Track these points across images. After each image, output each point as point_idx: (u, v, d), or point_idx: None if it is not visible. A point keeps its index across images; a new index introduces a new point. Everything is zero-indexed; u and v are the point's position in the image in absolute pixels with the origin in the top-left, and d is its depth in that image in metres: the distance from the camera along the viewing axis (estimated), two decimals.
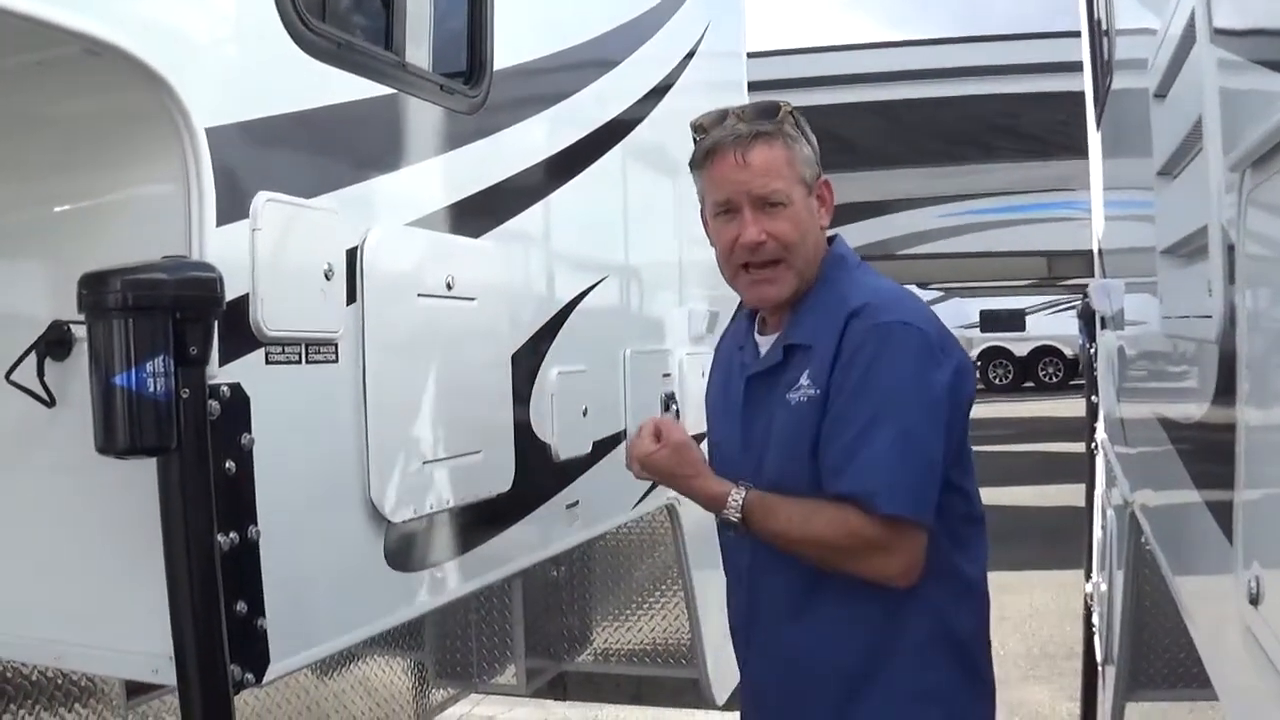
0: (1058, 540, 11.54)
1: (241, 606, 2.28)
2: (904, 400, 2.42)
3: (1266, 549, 1.58)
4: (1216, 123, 1.94)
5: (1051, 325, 30.14)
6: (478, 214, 3.22)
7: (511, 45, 3.34)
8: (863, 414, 2.41)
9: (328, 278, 2.54)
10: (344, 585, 2.67)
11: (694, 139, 2.66)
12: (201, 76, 2.25)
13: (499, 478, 3.23)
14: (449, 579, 3.07)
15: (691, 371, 4.75)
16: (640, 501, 4.35)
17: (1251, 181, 1.61)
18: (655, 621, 5.20)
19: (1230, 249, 1.84)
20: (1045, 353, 31.69)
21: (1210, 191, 1.95)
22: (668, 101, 4.59)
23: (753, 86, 5.94)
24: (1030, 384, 31.38)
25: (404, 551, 2.85)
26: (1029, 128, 13.87)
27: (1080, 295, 22.62)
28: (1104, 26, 4.32)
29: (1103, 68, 4.56)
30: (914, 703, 2.51)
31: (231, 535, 2.25)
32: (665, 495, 4.55)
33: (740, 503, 2.49)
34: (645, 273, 4.53)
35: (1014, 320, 30.09)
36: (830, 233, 2.68)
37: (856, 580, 2.46)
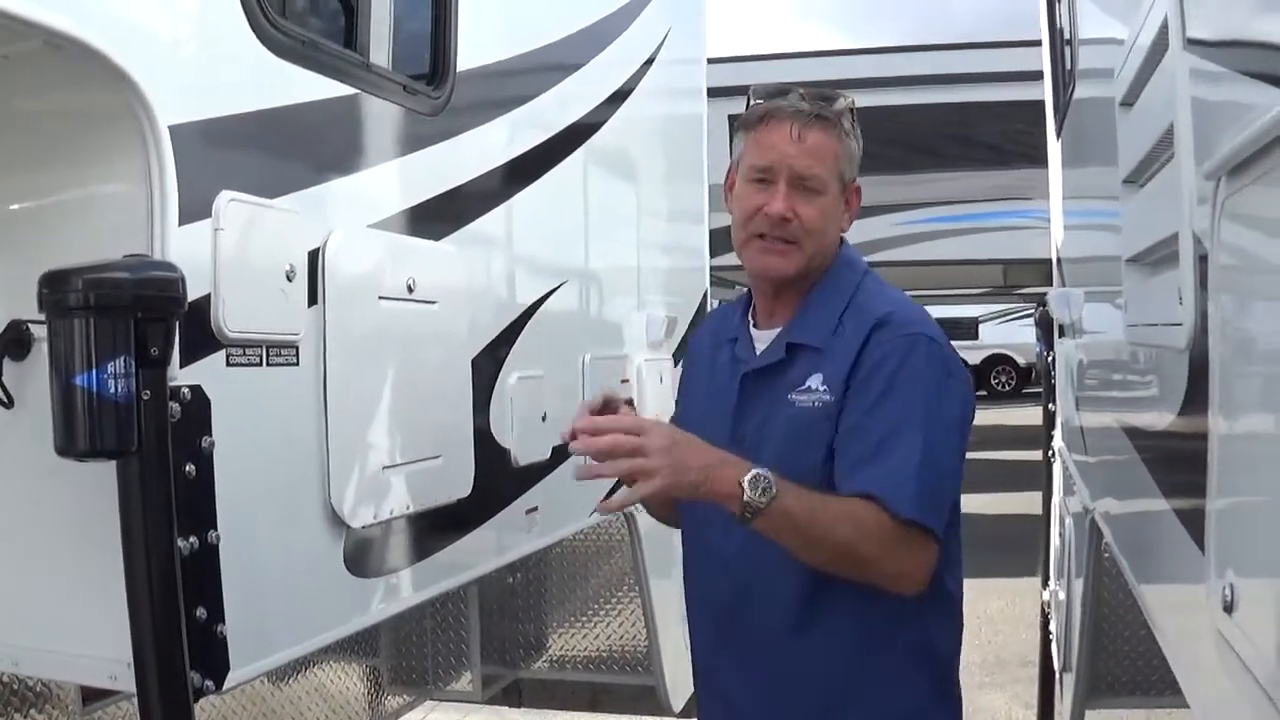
0: (1012, 548, 11.59)
1: (201, 612, 2.24)
2: (927, 414, 2.38)
3: (1240, 557, 1.58)
4: (1188, 130, 1.94)
5: (1004, 334, 30.51)
6: (439, 217, 3.19)
7: (475, 47, 3.31)
8: (887, 422, 2.36)
9: (289, 279, 2.51)
10: (304, 591, 2.63)
11: (750, 102, 2.60)
12: (165, 72, 2.21)
13: (459, 483, 3.20)
14: (408, 585, 3.03)
15: (650, 377, 4.74)
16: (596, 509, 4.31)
17: (1227, 189, 1.62)
18: (612, 628, 5.18)
19: (1202, 257, 1.84)
20: (998, 361, 31.98)
21: (1181, 199, 1.95)
22: (629, 106, 4.58)
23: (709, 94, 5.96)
24: (983, 392, 31.48)
25: (364, 557, 2.81)
26: (985, 136, 13.93)
27: (1034, 304, 22.78)
28: (1066, 36, 4.35)
29: (1064, 77, 4.59)
30: None
31: (191, 540, 2.21)
32: None
33: (772, 481, 2.23)
34: (604, 278, 4.51)
35: (967, 329, 30.28)
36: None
37: (861, 593, 2.39)
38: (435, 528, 3.12)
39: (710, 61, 6.05)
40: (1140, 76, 2.41)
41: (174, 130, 2.19)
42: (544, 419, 3.76)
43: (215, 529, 2.27)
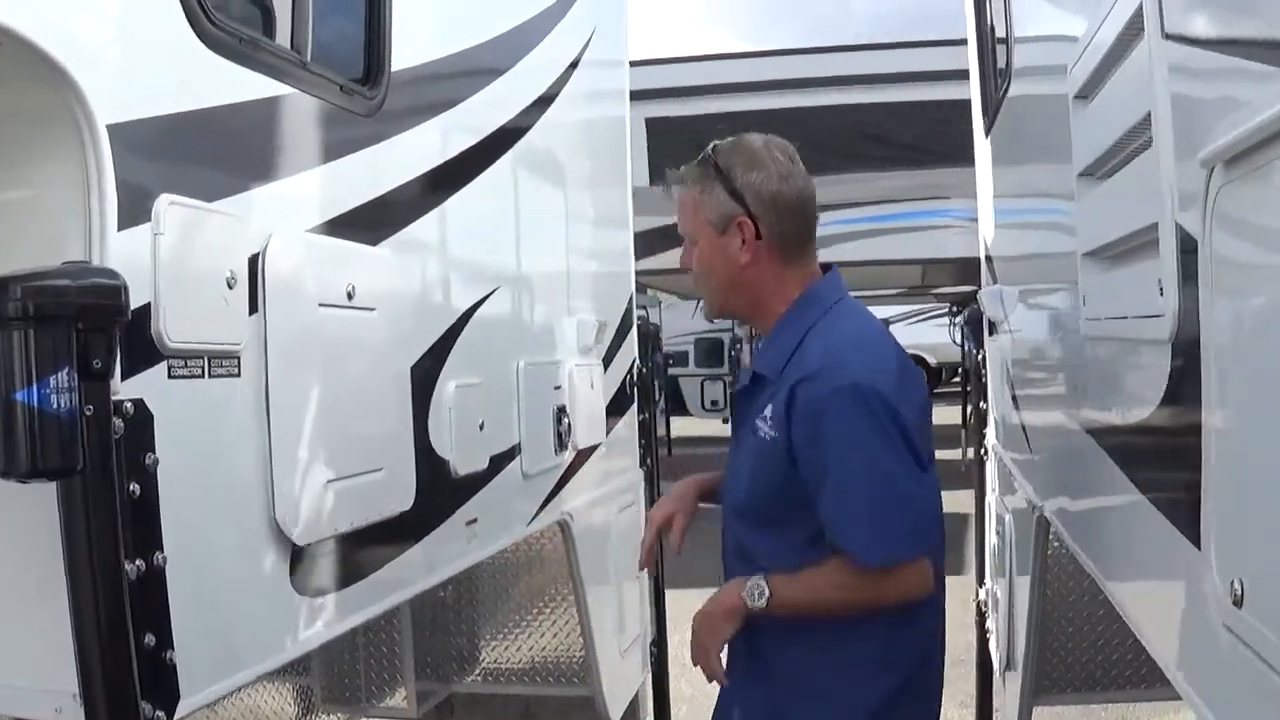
0: None
1: (150, 639, 2.12)
2: (862, 456, 2.59)
3: (1250, 550, 1.55)
4: (1167, 121, 1.92)
5: (915, 334, 30.98)
6: (375, 221, 3.09)
7: (408, 46, 3.22)
8: (830, 476, 2.61)
9: (230, 286, 2.40)
10: (252, 613, 2.52)
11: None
12: (102, 69, 2.10)
13: (400, 496, 3.10)
14: (354, 602, 2.93)
15: (581, 383, 4.67)
16: (535, 517, 4.24)
17: (1223, 177, 1.59)
18: (547, 639, 5.13)
19: (1188, 248, 1.81)
20: None
21: (1161, 189, 1.93)
22: (556, 109, 4.50)
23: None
24: None
25: (310, 575, 2.71)
26: (900, 136, 14.01)
27: (948, 305, 22.97)
28: (1000, 35, 4.35)
29: (996, 75, 4.59)
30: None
31: (138, 562, 2.09)
32: (559, 511, 4.46)
33: (764, 587, 2.68)
34: (536, 283, 4.43)
35: None
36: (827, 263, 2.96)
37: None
38: (378, 542, 3.02)
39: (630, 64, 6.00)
40: (1101, 70, 2.39)
41: (112, 130, 2.07)
42: (481, 428, 3.67)
43: (162, 550, 2.16)
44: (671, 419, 23.43)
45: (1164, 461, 2.10)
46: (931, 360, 32.01)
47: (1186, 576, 1.92)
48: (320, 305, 2.75)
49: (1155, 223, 1.98)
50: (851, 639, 2.72)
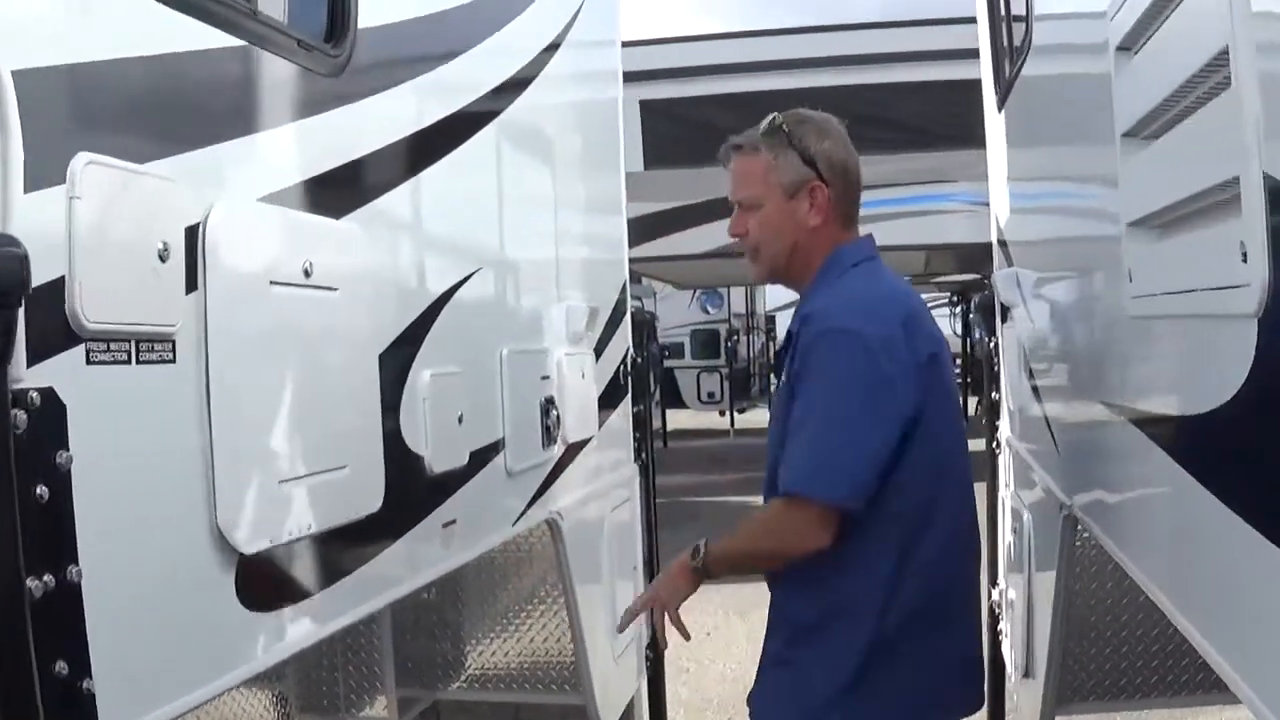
0: None
1: (61, 667, 1.81)
2: (825, 397, 2.80)
3: None
4: (1250, 55, 1.62)
5: None
6: (340, 191, 2.80)
7: (378, 2, 2.92)
8: (797, 411, 2.84)
9: (163, 259, 2.09)
10: (189, 633, 2.21)
11: None
12: (8, 4, 1.80)
13: (368, 496, 2.81)
14: (313, 616, 2.64)
15: (571, 373, 4.38)
16: (521, 517, 3.96)
17: None
18: (536, 643, 4.87)
19: (1275, 203, 1.52)
20: None
21: (1243, 136, 1.63)
22: (542, 84, 4.21)
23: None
24: None
25: (260, 587, 2.40)
26: (901, 118, 13.67)
27: (948, 293, 22.69)
28: None
29: (1011, 40, 4.29)
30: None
31: (45, 578, 1.79)
32: (548, 510, 4.18)
33: (701, 547, 2.96)
34: (521, 265, 4.14)
35: None
36: (864, 232, 3.14)
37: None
38: (342, 549, 2.73)
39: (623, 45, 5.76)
40: (1153, 12, 2.10)
41: (19, 76, 1.77)
42: (460, 420, 3.38)
43: (76, 563, 1.86)
44: (667, 411, 23.27)
45: (1242, 455, 1.80)
46: None
47: (1270, 583, 1.64)
48: (272, 283, 2.45)
49: (1235, 176, 1.68)
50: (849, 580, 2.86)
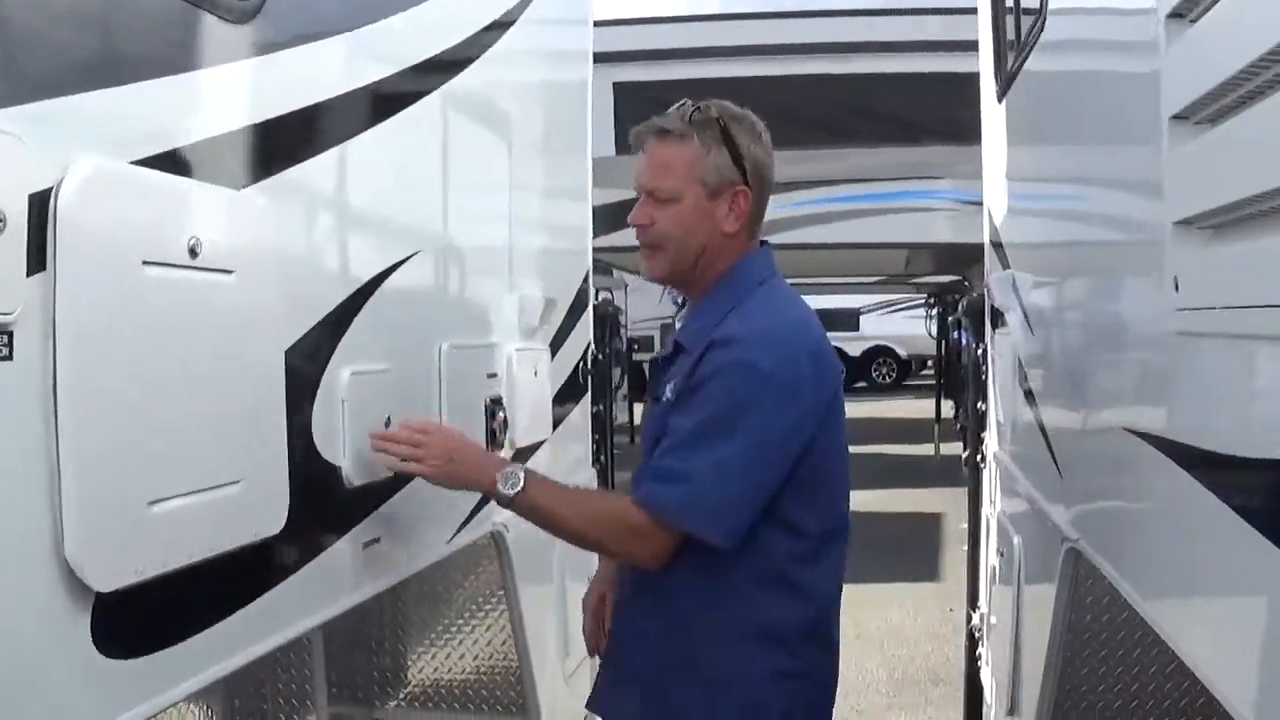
0: (906, 550, 11.18)
1: None
2: (722, 430, 2.65)
3: None
4: None
5: (885, 326, 31.55)
6: (242, 157, 2.38)
7: None
8: (683, 424, 2.69)
9: None
10: (27, 688, 1.79)
11: None
12: None
13: (267, 516, 2.39)
14: (199, 659, 2.22)
15: (522, 370, 3.98)
16: (460, 531, 3.55)
17: None
18: (481, 661, 4.49)
19: None
20: (879, 353, 33.22)
21: None
22: (499, 57, 3.80)
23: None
24: (863, 384, 32.43)
25: (123, 631, 1.98)
26: (886, 109, 13.31)
27: (924, 294, 22.37)
28: None
29: (1019, 15, 3.89)
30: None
31: None
32: (491, 521, 3.78)
33: (520, 478, 2.75)
34: (468, 251, 3.72)
35: (848, 320, 30.61)
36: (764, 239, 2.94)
37: (691, 564, 2.72)
38: (234, 578, 2.32)
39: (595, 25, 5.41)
40: None
41: None
42: (388, 425, 2.96)
43: None
44: (635, 405, 22.96)
45: None
46: (902, 352, 32.34)
47: None
48: (145, 263, 2.02)
49: None
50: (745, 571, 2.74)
